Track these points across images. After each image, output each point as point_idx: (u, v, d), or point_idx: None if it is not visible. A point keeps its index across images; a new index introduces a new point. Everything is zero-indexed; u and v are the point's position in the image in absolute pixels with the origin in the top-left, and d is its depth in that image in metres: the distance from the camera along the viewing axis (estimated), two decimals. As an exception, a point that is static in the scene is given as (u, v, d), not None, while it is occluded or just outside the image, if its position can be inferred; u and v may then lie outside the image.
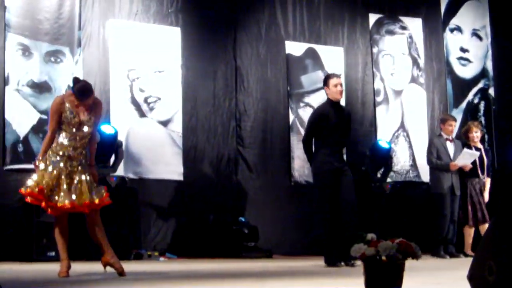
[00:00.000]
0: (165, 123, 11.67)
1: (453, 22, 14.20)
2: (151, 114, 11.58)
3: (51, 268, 7.29)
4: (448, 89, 13.99)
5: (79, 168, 6.65)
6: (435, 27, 14.13)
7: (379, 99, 13.44)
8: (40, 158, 6.63)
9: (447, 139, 11.06)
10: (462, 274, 4.12)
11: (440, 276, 6.64)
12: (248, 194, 12.18)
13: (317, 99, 12.01)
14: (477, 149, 11.09)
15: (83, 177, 6.64)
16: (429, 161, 11.10)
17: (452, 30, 14.19)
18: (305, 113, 12.07)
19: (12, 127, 10.40)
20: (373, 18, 13.63)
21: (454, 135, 11.39)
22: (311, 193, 10.78)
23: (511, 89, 14.17)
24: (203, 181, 11.90)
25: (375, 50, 13.55)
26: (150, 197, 11.44)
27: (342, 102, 12.61)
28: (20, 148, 10.42)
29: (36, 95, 10.62)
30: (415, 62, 13.81)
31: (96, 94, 7.17)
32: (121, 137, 10.92)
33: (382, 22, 13.66)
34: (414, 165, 13.37)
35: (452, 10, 14.20)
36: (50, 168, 6.55)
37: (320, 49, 13.05)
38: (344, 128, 8.66)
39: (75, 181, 6.60)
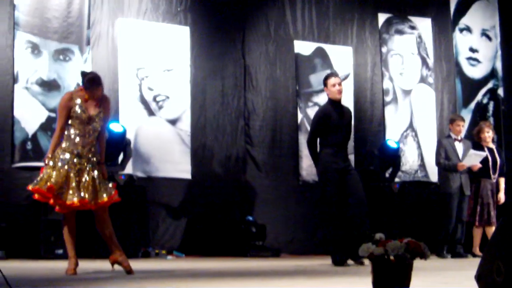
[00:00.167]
0: (173, 122, 11.68)
1: (463, 22, 14.17)
2: (159, 113, 11.59)
3: (58, 266, 7.31)
4: (457, 89, 13.97)
5: (88, 165, 6.65)
6: (445, 27, 14.10)
7: (388, 98, 13.42)
8: (50, 155, 6.63)
9: (455, 139, 11.03)
10: (470, 274, 4.11)
11: (448, 276, 6.62)
12: (256, 193, 12.18)
13: (326, 98, 11.95)
14: (490, 149, 11.08)
15: (91, 174, 6.64)
16: (437, 162, 11.09)
17: (461, 30, 14.17)
18: (314, 113, 12.03)
19: (21, 125, 10.43)
20: (382, 17, 13.62)
21: (463, 135, 11.38)
22: (319, 193, 10.78)
23: (520, 89, 14.17)
24: (211, 180, 11.91)
25: (384, 49, 13.53)
26: (158, 195, 11.45)
27: (351, 102, 12.79)
28: (29, 146, 10.44)
29: (45, 93, 10.65)
30: (424, 62, 13.79)
31: (105, 93, 7.18)
32: (129, 136, 10.95)
33: (391, 22, 13.65)
34: (422, 165, 13.36)
35: (462, 10, 14.18)
36: (59, 166, 6.55)
37: (329, 48, 13.04)
38: (346, 127, 8.70)
39: (84, 179, 6.59)
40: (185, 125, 11.76)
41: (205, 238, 11.49)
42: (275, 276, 6.89)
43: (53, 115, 10.28)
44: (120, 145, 10.57)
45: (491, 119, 13.73)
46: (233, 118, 12.24)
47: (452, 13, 14.12)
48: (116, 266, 6.87)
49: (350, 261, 8.27)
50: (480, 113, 13.89)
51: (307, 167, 12.37)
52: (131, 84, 11.40)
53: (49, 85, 10.68)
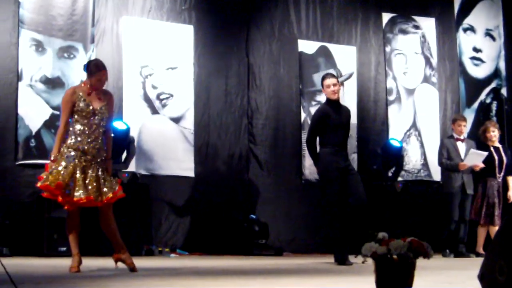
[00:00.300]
0: (177, 120, 11.69)
1: (466, 22, 14.16)
2: (163, 111, 11.61)
3: (62, 263, 7.32)
4: (461, 89, 13.97)
5: (93, 162, 6.65)
6: (448, 27, 14.10)
7: (391, 98, 13.43)
8: (56, 153, 6.62)
9: (457, 139, 11.03)
10: (473, 274, 4.12)
11: (451, 275, 6.63)
12: (259, 192, 12.19)
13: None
14: (496, 148, 11.08)
15: (96, 172, 6.63)
16: (440, 162, 11.11)
17: (465, 30, 14.16)
18: (317, 112, 12.07)
19: (25, 122, 10.45)
20: (386, 17, 13.62)
21: (466, 135, 11.39)
22: (321, 193, 10.79)
23: (523, 89, 14.16)
24: (214, 178, 11.92)
25: (388, 49, 13.54)
26: (162, 193, 11.47)
27: (354, 101, 12.80)
28: (33, 143, 10.46)
29: (49, 90, 10.66)
30: (427, 61, 13.79)
31: (109, 90, 7.20)
32: (133, 134, 10.96)
33: (395, 21, 13.65)
34: (425, 164, 13.36)
35: (466, 10, 14.17)
36: (64, 163, 6.55)
37: (332, 47, 13.04)
38: (345, 127, 8.73)
39: (89, 175, 6.59)
40: (189, 123, 11.77)
41: (208, 236, 11.51)
42: (278, 274, 6.89)
43: (57, 112, 10.30)
44: (123, 143, 10.58)
45: (494, 119, 13.71)
46: (237, 117, 12.25)
47: (456, 13, 14.11)
48: (120, 264, 6.87)
49: (352, 259, 8.27)
50: (483, 113, 13.89)
51: (310, 166, 12.35)
52: (135, 82, 11.42)
53: (53, 83, 10.70)
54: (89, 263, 7.40)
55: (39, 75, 10.61)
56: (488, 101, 14.07)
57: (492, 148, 11.04)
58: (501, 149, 11.16)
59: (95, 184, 6.58)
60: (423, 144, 13.43)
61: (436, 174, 12.83)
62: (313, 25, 12.98)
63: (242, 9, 12.51)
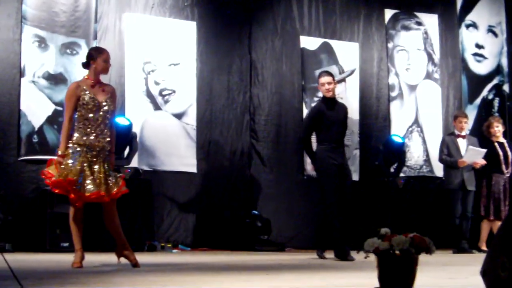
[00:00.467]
0: (179, 116, 11.70)
1: (469, 18, 14.16)
2: (165, 107, 11.61)
3: (64, 259, 7.33)
4: (463, 85, 13.96)
5: (99, 157, 6.66)
6: (451, 23, 14.09)
7: (393, 94, 13.43)
8: (64, 148, 6.62)
9: (458, 135, 11.03)
10: (475, 270, 4.13)
11: (453, 271, 6.64)
12: (261, 188, 12.20)
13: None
14: (500, 144, 11.08)
15: (103, 167, 6.64)
16: (440, 159, 11.12)
17: (467, 26, 14.16)
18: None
19: (28, 118, 10.46)
20: (388, 13, 13.61)
21: (467, 131, 11.39)
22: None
23: (525, 85, 14.16)
24: (216, 174, 11.93)
25: (390, 45, 13.53)
26: (164, 189, 11.48)
27: (356, 97, 12.82)
28: (35, 139, 10.47)
29: (52, 86, 10.67)
30: (430, 57, 13.79)
31: (112, 85, 7.23)
32: (135, 129, 10.96)
33: (397, 18, 13.64)
34: (427, 160, 13.36)
35: (468, 6, 14.17)
36: (72, 160, 6.56)
37: (335, 44, 13.04)
38: (341, 123, 8.76)
39: (96, 171, 6.61)
40: (191, 119, 11.78)
41: (210, 232, 11.53)
42: (280, 270, 6.90)
43: (59, 108, 10.31)
44: (126, 138, 10.57)
45: (497, 115, 13.70)
46: (239, 113, 12.25)
47: (458, 9, 14.11)
48: (122, 260, 6.89)
49: (354, 254, 8.28)
50: (485, 109, 13.89)
51: (312, 162, 12.39)
52: (138, 78, 11.42)
53: (55, 79, 10.71)
54: (92, 258, 7.42)
55: (41, 71, 10.62)
56: (490, 97, 14.07)
57: (496, 144, 11.05)
58: (506, 144, 11.16)
59: (103, 179, 6.59)
60: (425, 140, 13.43)
61: (438, 170, 12.82)
62: (315, 21, 12.98)
63: (244, 5, 12.50)
